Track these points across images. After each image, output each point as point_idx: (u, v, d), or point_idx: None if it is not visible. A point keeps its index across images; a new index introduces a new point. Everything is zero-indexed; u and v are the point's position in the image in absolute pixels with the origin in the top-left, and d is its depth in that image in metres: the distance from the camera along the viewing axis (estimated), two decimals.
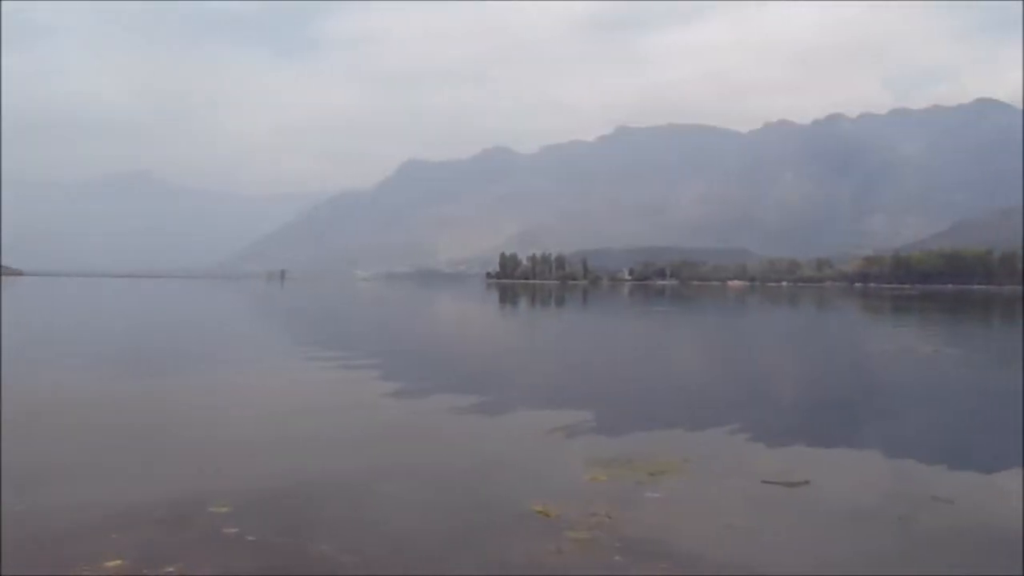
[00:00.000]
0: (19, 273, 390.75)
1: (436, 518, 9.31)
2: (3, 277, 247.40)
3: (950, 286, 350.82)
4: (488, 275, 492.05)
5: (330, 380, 22.04)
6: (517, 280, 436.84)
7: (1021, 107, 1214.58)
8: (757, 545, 8.53)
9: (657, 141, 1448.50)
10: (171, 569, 7.58)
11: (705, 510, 9.71)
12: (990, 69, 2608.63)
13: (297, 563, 7.89)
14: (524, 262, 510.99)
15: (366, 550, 8.21)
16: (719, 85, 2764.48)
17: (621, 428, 14.98)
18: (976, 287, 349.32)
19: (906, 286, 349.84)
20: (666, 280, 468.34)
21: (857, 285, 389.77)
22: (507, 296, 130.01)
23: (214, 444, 13.04)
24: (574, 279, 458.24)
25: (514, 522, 9.10)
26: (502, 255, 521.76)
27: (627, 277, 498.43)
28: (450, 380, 22.64)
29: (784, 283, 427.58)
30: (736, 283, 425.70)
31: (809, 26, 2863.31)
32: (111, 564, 7.66)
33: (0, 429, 13.56)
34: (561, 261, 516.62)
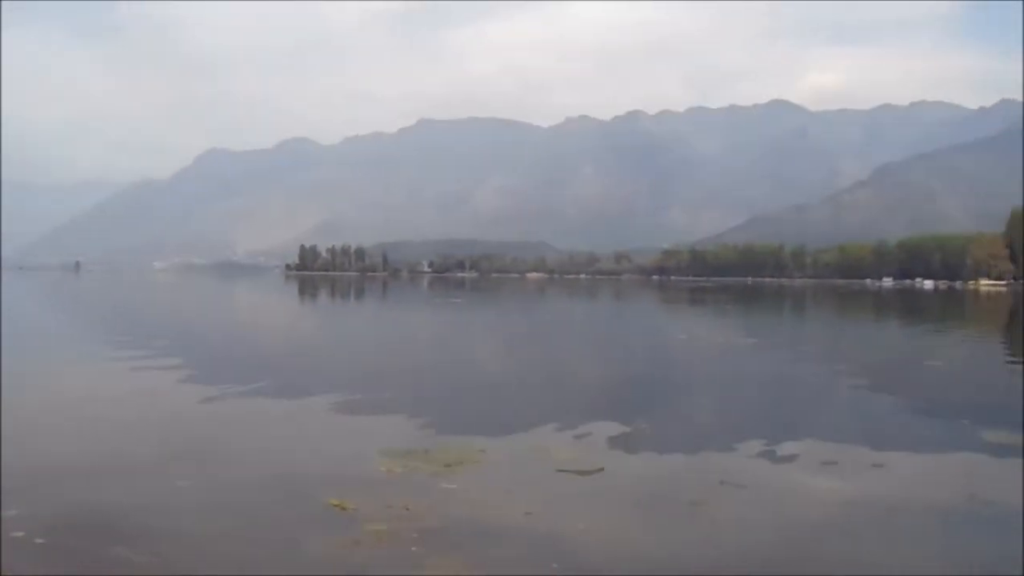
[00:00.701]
0: None
1: (233, 514, 9.12)
2: None
3: (744, 279, 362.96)
4: (288, 267, 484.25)
5: (117, 371, 21.27)
6: (316, 272, 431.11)
7: (811, 109, 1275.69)
8: (553, 533, 8.60)
9: (459, 134, 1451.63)
10: None
11: (502, 499, 9.75)
12: (786, 72, 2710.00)
13: (92, 567, 7.57)
14: (324, 254, 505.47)
15: (163, 551, 7.94)
16: (521, 80, 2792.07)
17: (417, 419, 14.93)
18: (768, 280, 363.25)
19: (702, 279, 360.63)
20: (466, 272, 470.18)
21: (654, 278, 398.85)
22: (305, 288, 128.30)
23: None
24: (374, 271, 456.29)
25: (311, 516, 8.97)
26: (301, 247, 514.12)
27: (427, 269, 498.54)
28: (239, 372, 21.93)
29: (582, 276, 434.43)
30: (535, 275, 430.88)
31: (613, 25, 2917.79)
32: None
33: None
34: (361, 253, 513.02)
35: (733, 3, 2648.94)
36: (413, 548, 8.01)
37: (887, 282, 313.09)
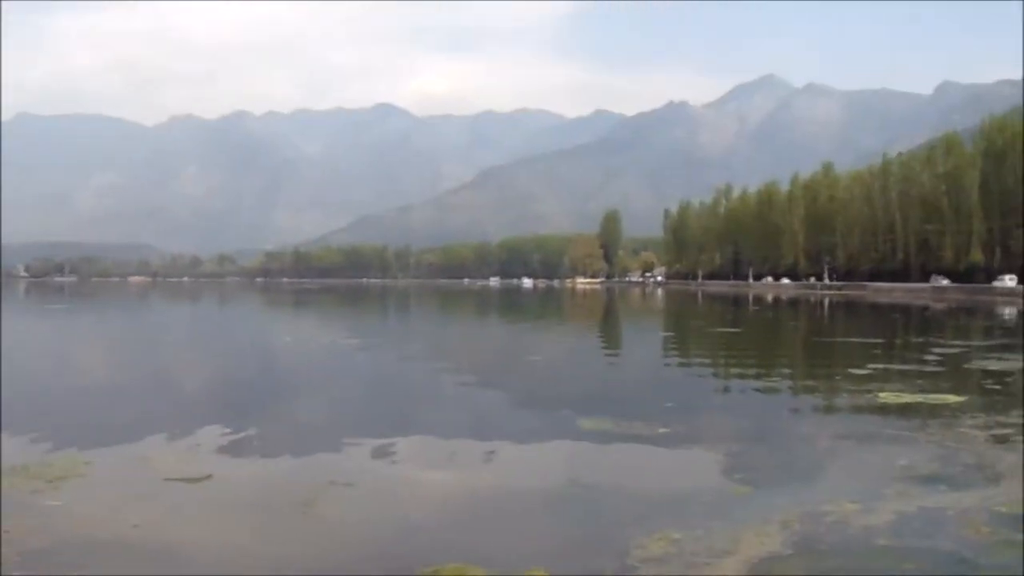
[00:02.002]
0: None
1: None
2: None
3: (349, 280, 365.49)
4: None
5: None
6: None
7: (417, 114, 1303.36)
8: (163, 543, 8.30)
9: (61, 130, 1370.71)
10: None
11: (109, 513, 9.26)
12: (394, 77, 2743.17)
13: None
14: None
15: None
16: (127, 76, 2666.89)
17: (14, 434, 13.85)
18: (373, 280, 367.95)
19: (306, 280, 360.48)
20: (65, 276, 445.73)
21: (259, 280, 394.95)
22: None
23: None
24: None
25: None
26: None
27: (23, 274, 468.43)
28: None
29: (186, 279, 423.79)
30: (137, 279, 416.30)
31: (224, 22, 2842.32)
32: None
33: None
34: None
35: (342, 4, 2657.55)
36: (16, 573, 7.50)
37: (494, 281, 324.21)
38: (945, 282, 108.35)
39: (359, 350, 33.25)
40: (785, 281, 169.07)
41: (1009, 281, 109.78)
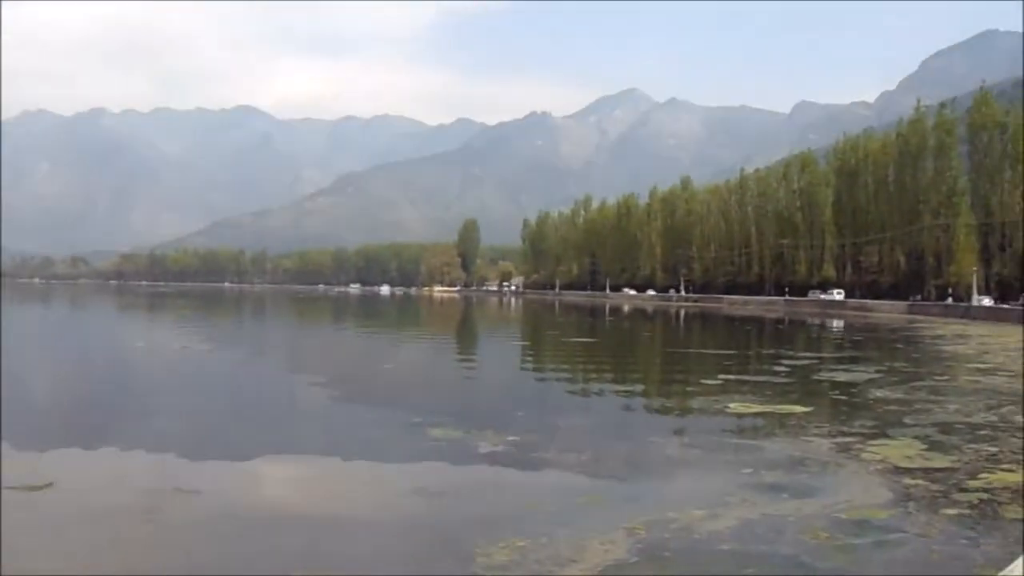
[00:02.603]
0: None
1: None
2: None
3: (205, 283, 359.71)
4: None
5: None
6: None
7: (277, 116, 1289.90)
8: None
9: None
10: None
11: None
12: (256, 78, 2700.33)
13: None
14: None
15: None
16: None
17: None
18: (229, 285, 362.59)
19: (161, 284, 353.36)
20: None
21: (113, 283, 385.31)
22: None
23: None
24: None
25: None
26: None
27: None
28: None
29: (37, 280, 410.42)
30: None
31: (83, 19, 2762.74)
32: None
33: None
34: None
35: (205, 4, 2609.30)
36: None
37: (354, 288, 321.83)
38: (838, 295, 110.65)
39: (211, 357, 32.65)
40: (642, 293, 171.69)
41: (837, 295, 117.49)
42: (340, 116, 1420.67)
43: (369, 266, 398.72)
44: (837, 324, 71.73)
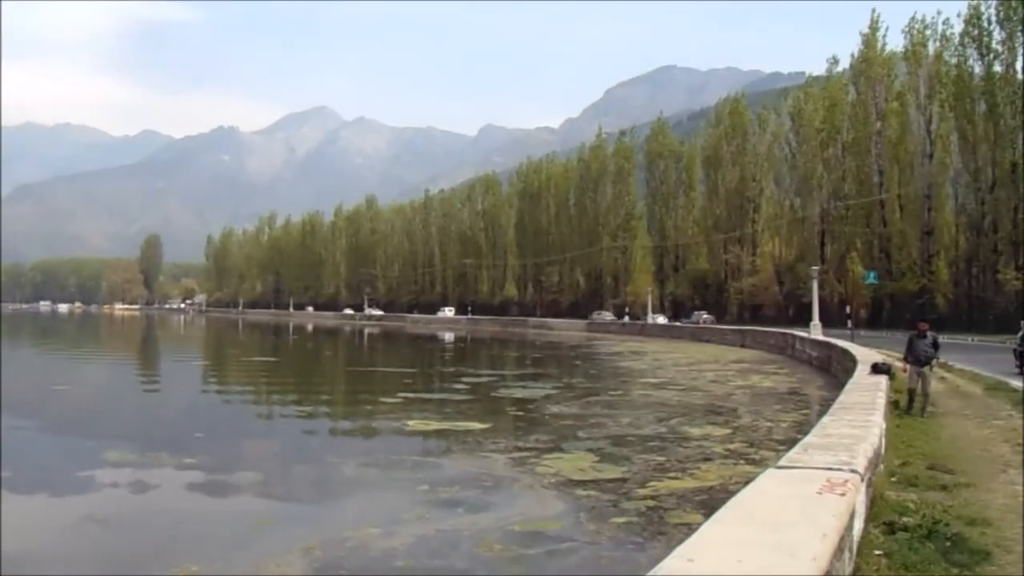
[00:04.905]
0: None
1: None
2: None
3: None
4: None
5: None
6: None
7: None
8: None
9: None
10: None
11: None
12: None
13: None
14: None
15: None
16: None
17: None
18: None
19: None
20: None
21: None
22: None
23: None
24: None
25: None
26: None
27: None
28: None
29: None
30: None
31: None
32: None
33: None
34: None
35: None
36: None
37: (44, 305, 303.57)
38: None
39: None
40: (325, 312, 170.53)
41: (448, 311, 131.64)
42: (20, 123, 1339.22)
43: (47, 282, 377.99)
44: (518, 341, 73.64)
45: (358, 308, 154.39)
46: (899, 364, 18.22)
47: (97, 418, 21.30)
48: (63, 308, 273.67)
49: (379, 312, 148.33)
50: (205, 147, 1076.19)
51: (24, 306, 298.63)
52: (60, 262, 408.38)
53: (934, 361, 16.52)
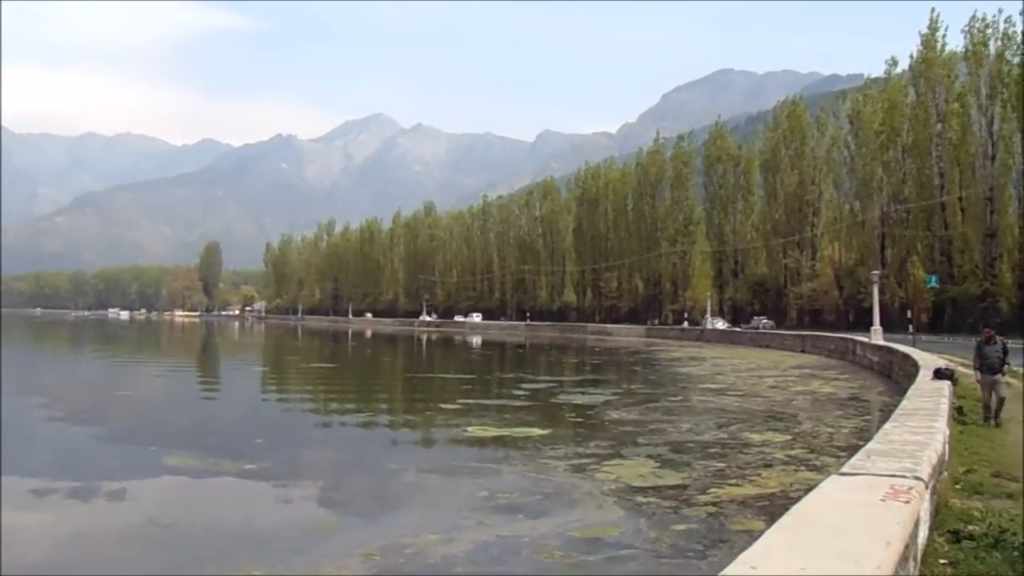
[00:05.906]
0: None
1: None
2: None
3: None
4: None
5: None
6: None
7: (15, 131, 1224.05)
8: None
9: None
10: None
11: None
12: None
13: None
14: None
15: None
16: None
17: None
18: None
19: None
20: None
21: None
22: None
23: None
24: None
25: None
26: None
27: None
28: None
29: None
30: None
31: None
32: None
33: None
34: None
35: None
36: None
37: (113, 312, 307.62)
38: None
39: None
40: (385, 318, 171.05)
41: (476, 317, 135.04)
42: (82, 132, 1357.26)
43: (109, 289, 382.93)
44: (577, 347, 73.40)
45: (416, 314, 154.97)
46: (969, 372, 17.94)
47: (159, 423, 21.45)
48: (124, 315, 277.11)
49: (437, 318, 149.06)
50: (264, 155, 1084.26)
51: (87, 313, 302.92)
52: (121, 270, 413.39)
53: (1005, 368, 16.27)
